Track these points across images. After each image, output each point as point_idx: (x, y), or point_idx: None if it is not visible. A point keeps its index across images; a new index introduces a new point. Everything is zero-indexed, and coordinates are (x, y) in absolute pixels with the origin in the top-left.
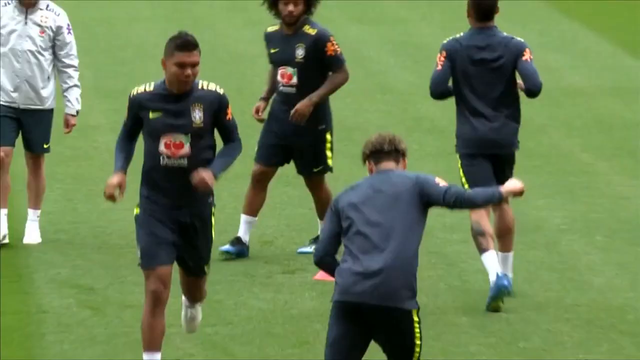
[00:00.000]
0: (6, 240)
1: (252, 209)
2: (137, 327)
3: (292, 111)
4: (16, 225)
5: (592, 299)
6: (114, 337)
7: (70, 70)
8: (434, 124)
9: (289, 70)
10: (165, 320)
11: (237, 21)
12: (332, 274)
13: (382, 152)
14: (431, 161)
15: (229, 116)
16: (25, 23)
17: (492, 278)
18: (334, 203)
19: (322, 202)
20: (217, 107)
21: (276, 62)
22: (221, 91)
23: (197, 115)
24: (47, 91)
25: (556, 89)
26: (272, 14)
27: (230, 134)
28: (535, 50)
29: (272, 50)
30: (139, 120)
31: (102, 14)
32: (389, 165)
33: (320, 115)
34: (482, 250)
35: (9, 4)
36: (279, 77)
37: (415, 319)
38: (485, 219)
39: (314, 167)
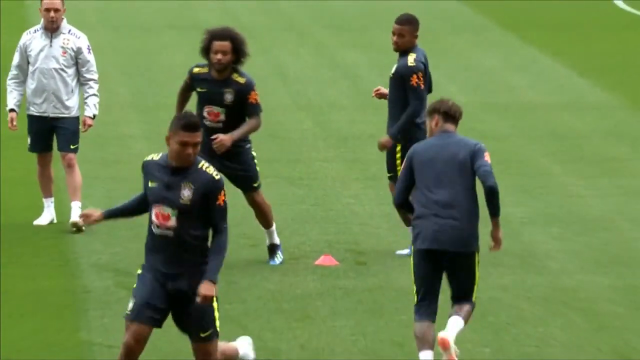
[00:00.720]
0: (53, 221)
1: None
2: None
3: (215, 138)
4: (62, 218)
5: (548, 281)
6: None
7: (90, 83)
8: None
9: (217, 109)
10: None
11: (251, 47)
12: (409, 213)
13: (453, 117)
14: None
15: (220, 202)
16: (51, 45)
17: None
18: (409, 156)
19: (264, 211)
20: (208, 191)
21: (204, 101)
22: (217, 177)
23: (186, 193)
24: (72, 102)
25: (517, 104)
26: (205, 59)
27: (216, 221)
28: (499, 72)
29: (200, 90)
30: (146, 185)
31: (138, 43)
32: (452, 128)
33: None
34: None
35: (37, 31)
36: (205, 114)
37: (477, 260)
38: None
39: (252, 183)
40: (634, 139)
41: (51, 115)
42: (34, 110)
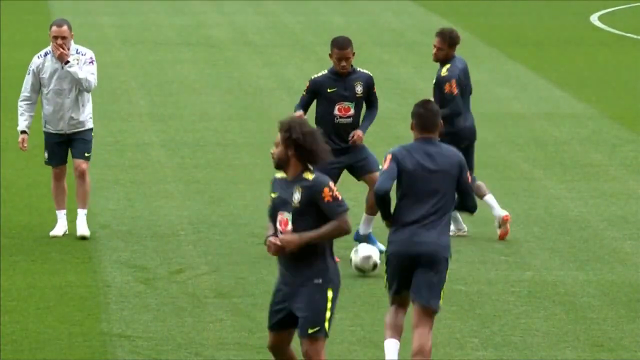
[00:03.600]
0: (66, 233)
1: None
2: (181, 297)
3: None
4: (72, 227)
5: (531, 276)
6: (162, 305)
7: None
8: (408, 140)
9: (286, 215)
10: (201, 293)
11: (258, 62)
12: None
13: None
14: None
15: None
16: (62, 67)
17: None
18: None
19: None
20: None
21: (276, 207)
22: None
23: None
24: (84, 116)
25: (502, 114)
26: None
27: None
28: (486, 85)
29: (273, 195)
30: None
31: (154, 57)
32: None
33: None
34: None
35: (47, 54)
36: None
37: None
38: None
39: None
40: (608, 146)
41: (68, 132)
42: (50, 128)
